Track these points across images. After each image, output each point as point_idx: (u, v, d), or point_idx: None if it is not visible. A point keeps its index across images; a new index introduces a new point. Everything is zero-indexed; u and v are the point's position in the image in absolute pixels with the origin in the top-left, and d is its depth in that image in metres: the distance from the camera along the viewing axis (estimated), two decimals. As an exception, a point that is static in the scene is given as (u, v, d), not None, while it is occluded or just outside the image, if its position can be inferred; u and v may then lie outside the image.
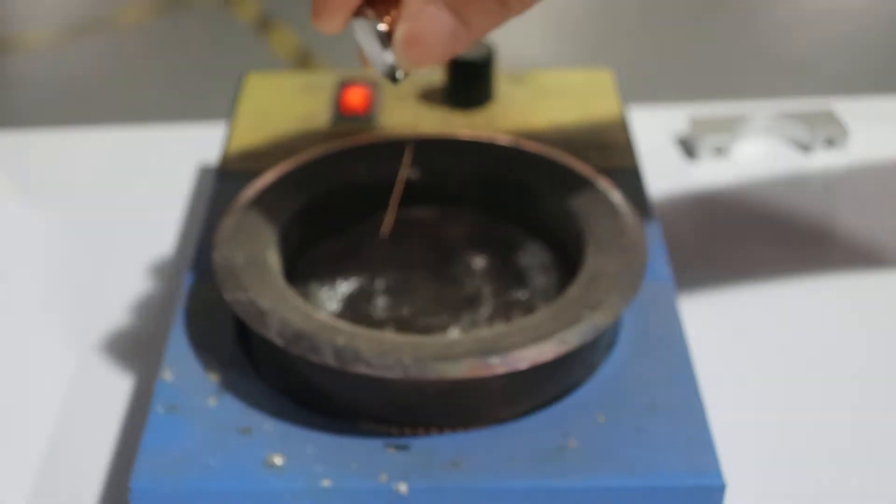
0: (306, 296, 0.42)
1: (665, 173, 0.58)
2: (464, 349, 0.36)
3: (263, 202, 0.43)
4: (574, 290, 0.38)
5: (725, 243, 0.53)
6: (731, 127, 0.59)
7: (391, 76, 0.35)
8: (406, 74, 0.35)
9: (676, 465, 0.35)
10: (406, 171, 0.41)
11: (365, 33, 0.35)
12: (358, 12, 0.35)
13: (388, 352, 0.36)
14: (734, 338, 0.47)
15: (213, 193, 0.47)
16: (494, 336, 0.36)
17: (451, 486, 0.35)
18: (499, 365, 0.35)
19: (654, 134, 0.60)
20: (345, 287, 0.42)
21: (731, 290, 0.50)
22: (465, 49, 0.34)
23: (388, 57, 0.35)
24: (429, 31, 0.33)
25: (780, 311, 0.49)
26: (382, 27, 0.34)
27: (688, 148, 0.59)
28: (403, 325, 0.40)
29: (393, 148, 0.45)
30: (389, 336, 0.37)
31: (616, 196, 0.43)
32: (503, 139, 0.46)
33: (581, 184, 0.43)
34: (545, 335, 0.36)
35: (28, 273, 0.51)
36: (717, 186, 0.57)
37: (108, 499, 0.40)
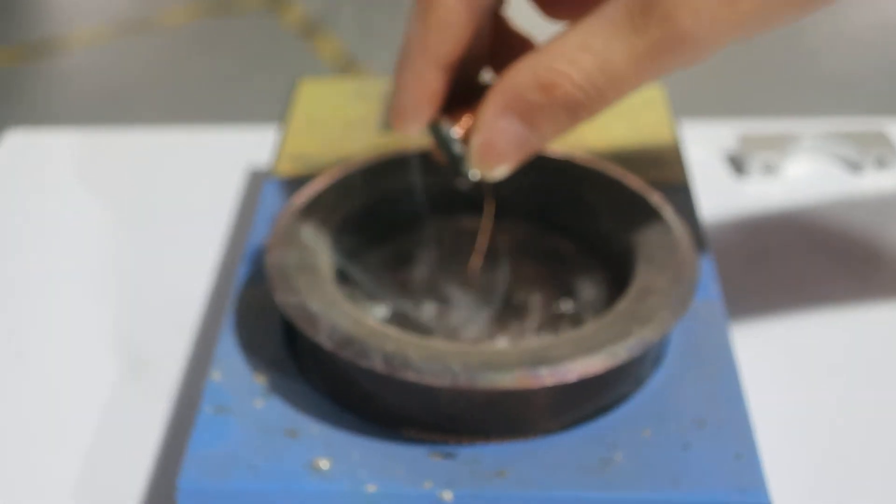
0: (356, 301, 0.42)
1: (714, 190, 0.57)
2: (513, 359, 0.36)
3: (316, 207, 0.43)
4: (624, 304, 0.38)
5: (773, 261, 0.53)
6: (780, 145, 0.59)
7: (465, 176, 0.37)
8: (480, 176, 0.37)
9: (722, 481, 0.35)
10: (489, 223, 0.41)
11: (440, 137, 0.37)
12: (433, 118, 0.37)
13: (437, 359, 0.36)
14: (782, 356, 0.47)
15: (266, 197, 0.48)
16: (543, 347, 0.36)
17: (495, 494, 0.35)
18: (548, 376, 0.35)
19: (703, 150, 0.60)
20: (394, 293, 0.42)
21: (778, 309, 0.50)
22: (536, 152, 0.36)
23: (462, 159, 0.37)
24: (502, 141, 0.36)
25: (827, 330, 0.48)
26: (457, 133, 0.37)
27: (737, 165, 0.59)
28: (451, 334, 0.41)
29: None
30: (438, 344, 0.37)
31: (668, 212, 0.43)
32: (555, 151, 0.46)
33: (633, 198, 0.43)
34: (594, 348, 0.36)
35: (77, 271, 0.52)
36: (765, 204, 0.57)
37: (153, 497, 0.40)
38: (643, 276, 0.40)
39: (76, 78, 1.51)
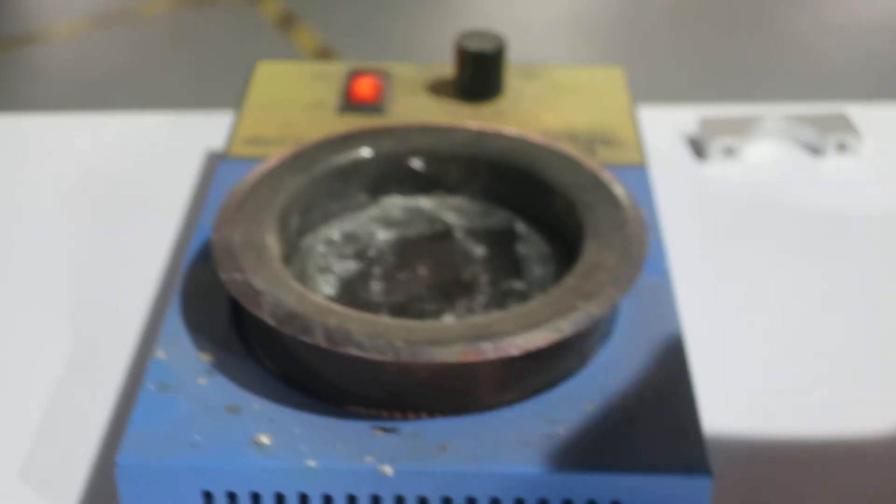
0: (304, 279, 0.42)
1: (674, 173, 0.57)
2: (456, 334, 0.36)
3: (264, 186, 0.43)
4: (570, 280, 0.38)
5: (732, 244, 0.53)
6: (741, 129, 0.59)
7: None
8: None
9: (664, 457, 0.35)
10: None
11: None
12: None
13: (379, 334, 0.36)
14: (734, 335, 0.47)
15: (218, 178, 0.47)
16: (487, 322, 0.36)
17: (436, 469, 0.35)
18: (490, 350, 0.35)
19: (664, 134, 0.60)
20: (342, 271, 0.42)
21: (734, 290, 0.50)
22: None
23: None
24: None
25: (780, 311, 0.48)
26: None
27: (697, 148, 0.59)
28: (398, 311, 0.40)
29: (394, 135, 0.45)
30: (382, 319, 0.37)
31: (618, 189, 0.42)
32: (509, 130, 0.46)
33: (584, 176, 0.43)
34: (538, 323, 0.36)
35: (35, 251, 0.52)
36: (725, 188, 0.57)
37: (98, 476, 0.40)
38: (591, 253, 0.39)
39: (53, 70, 1.50)
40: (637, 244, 0.40)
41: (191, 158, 0.58)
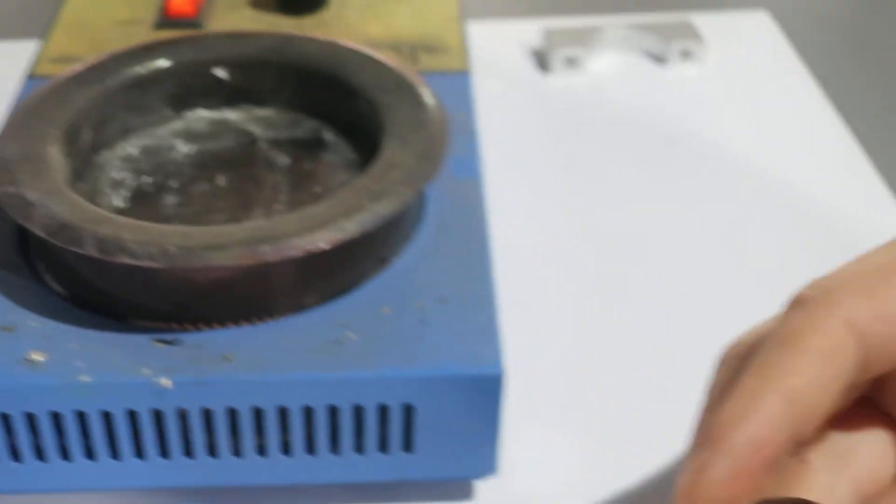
0: (94, 193, 0.39)
1: (517, 86, 0.56)
2: (235, 238, 0.34)
3: (52, 99, 0.41)
4: (363, 181, 0.37)
5: (572, 154, 0.52)
6: (584, 39, 0.57)
7: None
8: None
9: (456, 354, 0.33)
10: None
11: None
12: None
13: (153, 241, 0.34)
14: (552, 237, 0.46)
15: (20, 98, 0.45)
16: (271, 225, 0.35)
17: (218, 379, 0.33)
18: (269, 253, 0.33)
19: (508, 47, 0.58)
20: (137, 185, 0.40)
21: (573, 200, 0.48)
22: None
23: None
24: None
25: (616, 220, 0.47)
26: None
27: (541, 61, 0.58)
28: (192, 223, 0.38)
29: (197, 46, 0.43)
30: (159, 227, 0.35)
31: (424, 90, 0.41)
32: (318, 36, 0.44)
33: (390, 79, 0.42)
34: (323, 224, 0.34)
35: None
36: (568, 98, 0.55)
37: None
38: (388, 153, 0.38)
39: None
40: (437, 144, 0.38)
41: (14, 84, 0.56)
